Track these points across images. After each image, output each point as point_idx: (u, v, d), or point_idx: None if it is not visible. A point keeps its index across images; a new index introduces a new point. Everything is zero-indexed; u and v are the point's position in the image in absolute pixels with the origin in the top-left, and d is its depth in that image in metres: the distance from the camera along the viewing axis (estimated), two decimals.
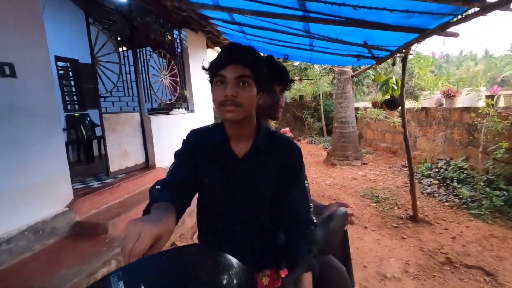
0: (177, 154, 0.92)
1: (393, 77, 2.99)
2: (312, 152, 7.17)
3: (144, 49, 3.84)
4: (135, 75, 3.63)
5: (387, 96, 3.14)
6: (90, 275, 1.88)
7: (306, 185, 0.93)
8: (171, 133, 4.06)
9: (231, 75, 0.76)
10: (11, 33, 2.08)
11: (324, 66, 9.59)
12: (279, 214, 0.91)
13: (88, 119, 5.17)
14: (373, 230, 2.90)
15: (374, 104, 4.50)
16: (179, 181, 0.83)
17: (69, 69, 5.19)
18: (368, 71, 6.91)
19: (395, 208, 3.40)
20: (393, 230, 2.88)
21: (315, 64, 9.19)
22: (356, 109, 6.97)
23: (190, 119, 4.62)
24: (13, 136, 2.07)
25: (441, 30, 1.99)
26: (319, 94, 9.32)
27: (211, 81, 0.81)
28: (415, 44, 2.44)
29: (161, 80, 4.04)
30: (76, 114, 4.97)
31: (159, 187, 0.80)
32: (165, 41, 4.10)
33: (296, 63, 9.93)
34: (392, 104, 3.07)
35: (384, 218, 3.16)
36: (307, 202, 0.90)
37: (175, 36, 4.36)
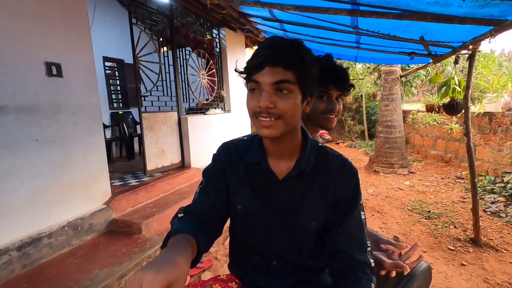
0: (206, 173, 0.77)
1: (456, 78, 2.59)
2: (352, 157, 6.74)
3: (183, 48, 3.86)
4: (174, 75, 3.65)
5: (447, 99, 2.75)
6: (121, 277, 1.86)
7: (363, 217, 0.73)
8: (207, 133, 4.05)
9: (267, 80, 0.60)
10: (59, 34, 2.15)
11: (368, 65, 9.02)
12: (327, 252, 0.73)
13: (131, 117, 5.39)
14: (424, 251, 2.54)
15: (430, 108, 4.01)
16: (206, 208, 0.70)
17: (115, 69, 5.46)
18: (419, 71, 6.30)
19: (451, 227, 2.98)
20: (449, 253, 2.50)
21: (357, 63, 8.68)
22: (404, 112, 6.41)
23: (226, 119, 4.57)
24: (57, 134, 2.14)
25: None
26: (361, 95, 8.78)
27: (247, 85, 0.66)
28: (489, 38, 2.06)
29: (199, 80, 4.04)
30: (120, 112, 5.20)
31: (181, 215, 0.67)
32: (204, 41, 4.08)
33: (338, 62, 9.48)
34: (453, 108, 2.67)
35: (437, 238, 2.77)
36: (363, 240, 0.71)
37: (214, 35, 4.33)
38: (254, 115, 0.63)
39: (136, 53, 3.10)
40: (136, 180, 3.20)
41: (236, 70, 0.68)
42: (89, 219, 2.32)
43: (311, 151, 0.73)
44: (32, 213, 1.98)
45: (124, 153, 4.93)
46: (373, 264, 0.69)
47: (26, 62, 1.94)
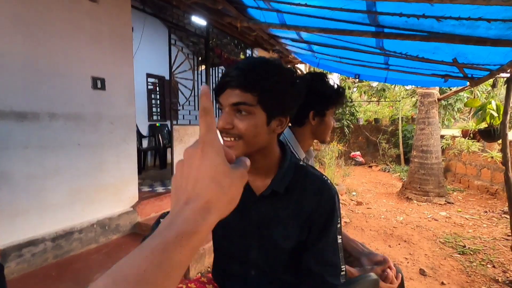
0: None
1: (493, 102, 2.42)
2: (385, 182, 6.41)
3: (217, 67, 4.11)
4: None
5: (484, 125, 2.56)
6: None
7: (339, 241, 0.74)
8: None
9: (226, 102, 0.64)
10: (106, 53, 2.46)
11: (408, 87, 8.68)
12: (301, 271, 0.73)
13: (167, 129, 5.77)
14: None
15: (465, 133, 3.72)
16: None
17: (157, 84, 5.94)
18: (461, 93, 5.91)
19: (489, 266, 2.67)
20: None
21: (394, 85, 8.40)
22: (443, 137, 6.00)
23: None
24: (96, 140, 2.40)
25: None
26: (398, 118, 8.41)
27: None
28: None
29: None
30: (157, 124, 5.60)
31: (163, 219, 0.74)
32: (237, 60, 4.31)
33: (374, 83, 9.27)
34: (490, 134, 2.47)
35: (470, 276, 2.51)
36: (337, 264, 0.71)
37: (247, 55, 4.56)
38: (221, 135, 0.66)
39: (173, 70, 3.39)
40: (163, 188, 3.40)
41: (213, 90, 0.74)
42: (116, 219, 2.52)
43: (288, 170, 0.73)
44: (68, 209, 2.21)
45: (158, 162, 5.25)
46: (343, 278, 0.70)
47: (76, 76, 2.24)
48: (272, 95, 0.64)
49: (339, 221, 0.74)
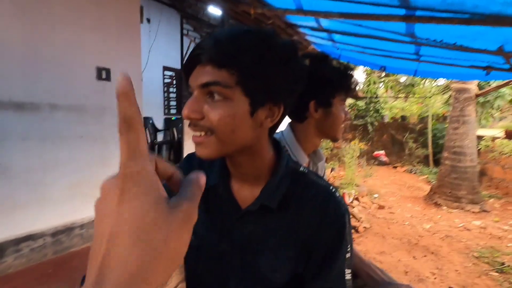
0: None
1: None
2: (410, 184, 5.96)
3: None
4: None
5: None
6: None
7: (347, 277, 0.53)
8: None
9: (194, 83, 0.46)
10: (112, 42, 2.35)
11: (440, 83, 8.05)
12: None
13: (182, 123, 5.72)
14: None
15: (509, 134, 3.27)
16: None
17: (174, 77, 5.88)
18: (502, 89, 5.32)
19: None
20: None
21: (424, 80, 7.80)
22: (480, 137, 5.45)
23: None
24: (99, 132, 2.31)
25: None
26: (427, 116, 7.82)
27: None
28: None
29: None
30: (172, 118, 5.55)
31: None
32: None
33: (402, 78, 8.69)
34: None
35: None
36: None
37: None
38: (189, 127, 0.48)
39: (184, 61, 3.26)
40: None
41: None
42: None
43: (283, 179, 0.55)
44: (68, 203, 2.14)
45: (173, 156, 5.21)
46: None
47: (80, 65, 2.15)
48: (257, 72, 0.45)
49: (348, 250, 0.54)
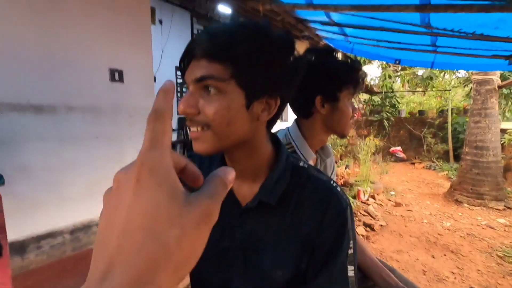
0: None
1: None
2: (429, 181, 5.77)
3: None
4: None
5: None
6: None
7: (350, 273, 0.52)
8: None
9: (189, 78, 0.46)
10: (124, 44, 2.39)
11: (460, 75, 7.73)
12: None
13: None
14: None
15: None
16: None
17: None
18: None
19: None
20: None
21: (443, 72, 7.51)
22: (504, 131, 5.19)
23: (282, 127, 4.45)
24: (114, 132, 2.37)
25: None
26: (447, 109, 7.53)
27: None
28: None
29: None
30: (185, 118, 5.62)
31: None
32: None
33: (420, 71, 8.41)
34: None
35: None
36: None
37: None
38: (186, 123, 0.49)
39: None
40: None
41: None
42: None
43: (283, 175, 0.54)
44: (86, 202, 2.20)
45: (186, 155, 5.29)
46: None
47: (93, 68, 2.21)
48: (251, 65, 0.45)
49: (350, 246, 0.53)
